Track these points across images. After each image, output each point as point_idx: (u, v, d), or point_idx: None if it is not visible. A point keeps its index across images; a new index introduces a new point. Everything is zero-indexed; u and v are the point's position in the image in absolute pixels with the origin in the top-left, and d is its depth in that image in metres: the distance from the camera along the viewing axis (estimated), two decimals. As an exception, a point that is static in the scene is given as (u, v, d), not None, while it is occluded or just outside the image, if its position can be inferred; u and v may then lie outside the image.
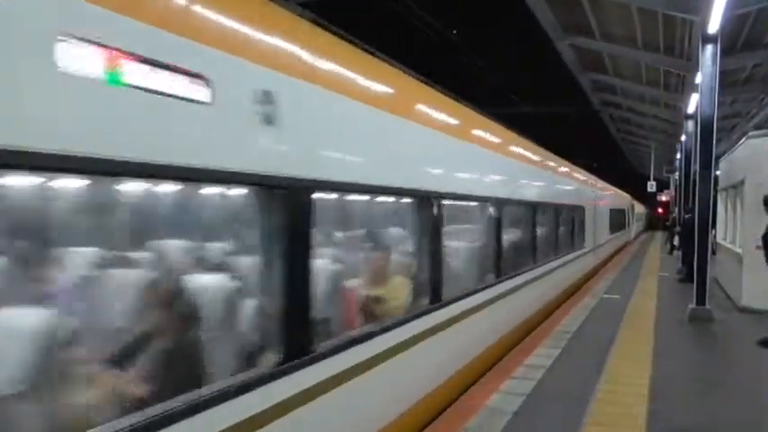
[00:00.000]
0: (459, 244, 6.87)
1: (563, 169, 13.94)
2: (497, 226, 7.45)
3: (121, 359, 2.99)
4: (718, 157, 16.21)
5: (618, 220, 27.14)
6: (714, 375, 7.07)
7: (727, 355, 7.98)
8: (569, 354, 7.81)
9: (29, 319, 2.58)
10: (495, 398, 5.89)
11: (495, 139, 8.23)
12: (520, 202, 9.05)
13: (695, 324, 9.99)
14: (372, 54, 5.12)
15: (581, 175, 17.12)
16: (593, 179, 19.94)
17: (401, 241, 5.53)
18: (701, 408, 5.82)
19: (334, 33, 4.37)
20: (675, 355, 7.88)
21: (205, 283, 3.38)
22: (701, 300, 10.33)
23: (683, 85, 17.65)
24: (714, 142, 10.44)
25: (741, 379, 6.92)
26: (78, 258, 3.36)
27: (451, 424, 5.16)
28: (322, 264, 3.89)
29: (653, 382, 6.50)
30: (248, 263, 3.56)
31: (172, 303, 3.08)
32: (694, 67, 12.42)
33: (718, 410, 5.74)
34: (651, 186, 39.83)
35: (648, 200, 56.57)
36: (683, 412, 5.65)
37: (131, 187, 3.31)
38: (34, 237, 2.93)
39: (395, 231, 5.73)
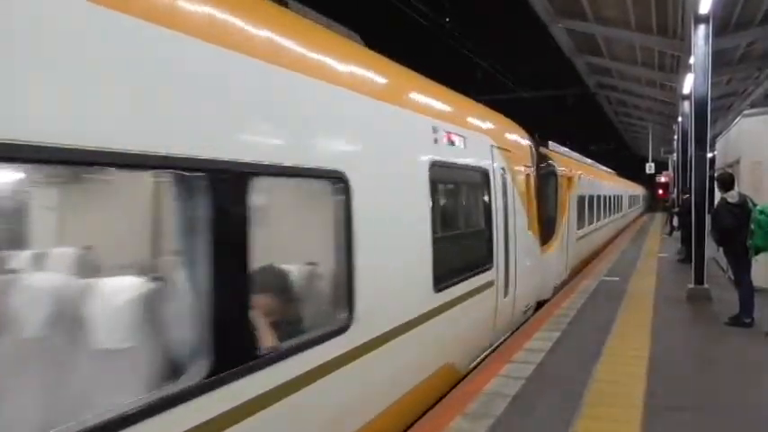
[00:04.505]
0: None
1: None
2: None
3: None
4: (714, 137, 16.27)
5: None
6: (711, 354, 7.14)
7: (724, 334, 8.05)
8: (569, 336, 7.89)
9: None
10: (494, 382, 5.96)
11: None
12: None
13: (693, 303, 10.06)
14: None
15: None
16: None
17: None
18: (698, 387, 5.89)
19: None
20: (673, 335, 7.96)
21: None
22: (698, 279, 10.40)
23: (678, 66, 17.63)
24: (709, 123, 10.47)
25: (738, 357, 6.99)
26: None
27: (451, 408, 5.24)
28: None
29: (651, 362, 6.58)
30: None
31: None
32: (688, 47, 12.42)
33: (716, 389, 5.82)
34: (650, 168, 39.80)
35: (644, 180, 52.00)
36: (681, 391, 5.72)
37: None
38: None
39: None
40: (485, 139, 7.14)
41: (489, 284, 6.93)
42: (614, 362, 6.63)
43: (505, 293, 7.60)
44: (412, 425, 5.01)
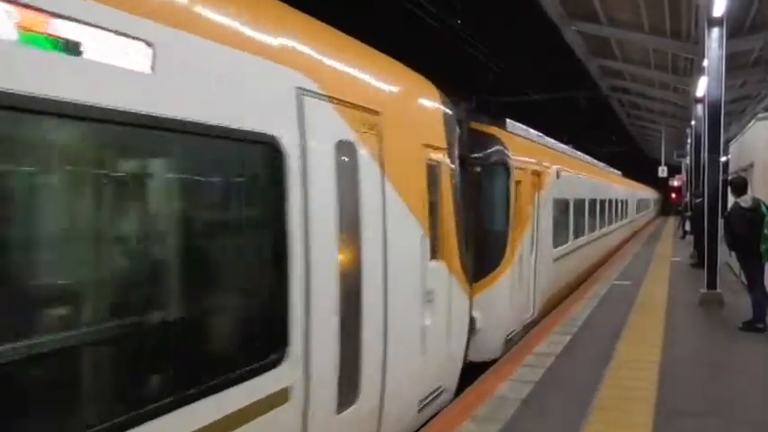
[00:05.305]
0: None
1: None
2: None
3: None
4: (728, 141, 16.14)
5: None
6: (723, 359, 7.08)
7: (736, 339, 7.98)
8: (579, 341, 7.85)
9: None
10: (504, 385, 5.95)
11: None
12: None
13: (706, 308, 9.97)
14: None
15: None
16: None
17: None
18: (710, 392, 5.84)
19: None
20: (685, 340, 7.89)
21: None
22: (711, 284, 10.31)
23: (692, 69, 17.50)
24: (722, 126, 10.39)
25: (751, 363, 6.93)
26: None
27: (460, 412, 5.23)
28: None
29: (662, 367, 6.53)
30: None
31: None
32: (702, 50, 12.33)
33: (728, 395, 5.77)
34: (662, 171, 39.48)
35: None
36: (693, 397, 5.68)
37: None
38: None
39: None
40: (275, 71, 3.27)
41: (266, 404, 3.00)
42: (625, 366, 6.59)
43: (343, 402, 3.72)
44: (421, 427, 5.01)
